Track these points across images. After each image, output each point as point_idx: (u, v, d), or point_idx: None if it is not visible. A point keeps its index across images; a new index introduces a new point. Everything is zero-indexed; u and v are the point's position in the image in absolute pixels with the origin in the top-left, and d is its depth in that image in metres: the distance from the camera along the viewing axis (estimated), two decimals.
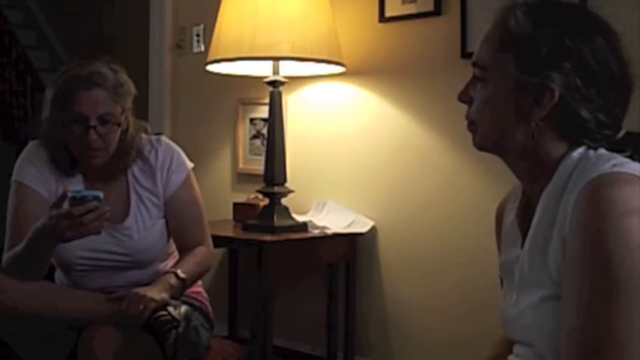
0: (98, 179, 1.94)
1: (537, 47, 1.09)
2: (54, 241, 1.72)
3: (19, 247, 1.76)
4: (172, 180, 1.97)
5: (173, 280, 1.86)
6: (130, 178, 1.96)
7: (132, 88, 1.91)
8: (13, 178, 1.92)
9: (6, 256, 1.83)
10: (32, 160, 1.92)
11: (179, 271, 1.88)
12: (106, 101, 1.83)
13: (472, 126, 1.18)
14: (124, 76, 1.90)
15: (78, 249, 1.85)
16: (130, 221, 1.93)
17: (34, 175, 1.90)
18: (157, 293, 1.79)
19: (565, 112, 1.09)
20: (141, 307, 1.74)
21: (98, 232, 1.69)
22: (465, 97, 1.19)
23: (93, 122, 1.81)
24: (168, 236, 2.02)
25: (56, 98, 1.84)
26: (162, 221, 1.99)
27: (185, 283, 1.89)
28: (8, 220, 1.89)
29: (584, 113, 1.08)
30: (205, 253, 2.01)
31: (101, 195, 1.68)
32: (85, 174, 1.95)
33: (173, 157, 1.99)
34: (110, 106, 1.84)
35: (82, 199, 1.66)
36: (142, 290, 1.79)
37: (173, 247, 2.06)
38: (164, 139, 2.05)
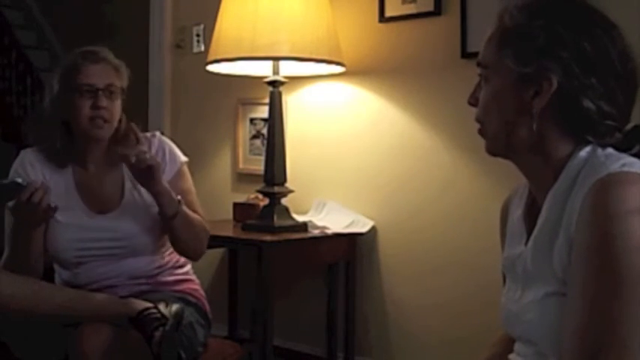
0: (95, 167, 2.02)
1: (532, 38, 1.10)
2: (28, 229, 1.85)
3: (8, 245, 1.89)
4: (166, 171, 2.02)
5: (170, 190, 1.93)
6: (125, 167, 2.01)
7: (128, 73, 2.05)
8: None
9: (2, 259, 1.93)
10: (20, 171, 2.00)
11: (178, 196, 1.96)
12: (111, 73, 1.98)
13: (482, 130, 1.19)
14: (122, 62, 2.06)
15: (73, 240, 1.91)
16: (123, 207, 1.99)
17: None
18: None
19: (566, 102, 1.09)
20: (133, 158, 1.84)
21: (55, 209, 1.82)
22: (473, 100, 1.20)
23: (101, 88, 1.94)
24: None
25: (66, 72, 1.96)
26: (156, 209, 2.01)
27: (179, 206, 1.92)
28: (6, 230, 1.96)
29: (586, 102, 1.08)
30: (201, 220, 2.05)
31: (19, 180, 1.78)
32: (80, 165, 2.02)
33: (166, 149, 2.07)
34: (114, 78, 1.98)
35: (5, 185, 1.77)
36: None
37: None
38: (158, 134, 2.13)
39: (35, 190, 1.77)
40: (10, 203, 1.81)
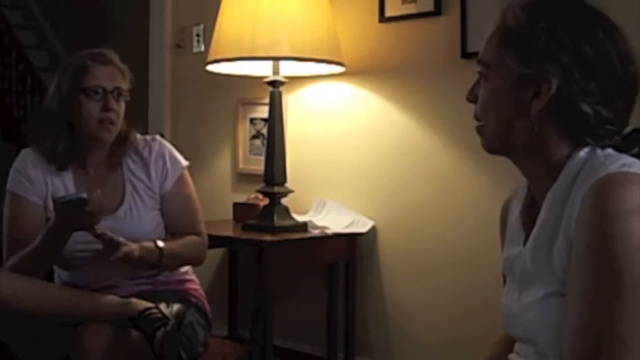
0: (95, 170, 2.02)
1: (534, 40, 1.09)
2: (71, 231, 1.82)
3: (31, 247, 1.83)
4: (169, 176, 2.04)
5: (149, 244, 1.91)
6: (125, 170, 2.04)
7: (130, 77, 2.06)
8: (7, 187, 1.99)
9: (10, 261, 1.88)
10: (21, 170, 1.99)
11: (158, 241, 1.94)
12: (118, 76, 2.00)
13: (480, 128, 1.19)
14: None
15: (73, 242, 1.89)
16: (123, 209, 1.99)
17: (25, 184, 1.97)
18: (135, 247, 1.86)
19: (564, 105, 1.09)
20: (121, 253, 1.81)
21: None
22: (472, 96, 1.20)
23: (110, 90, 1.96)
24: (166, 232, 2.06)
25: (74, 74, 1.96)
26: (157, 212, 2.04)
27: (162, 253, 1.92)
28: (5, 230, 1.96)
29: (584, 106, 1.08)
30: (195, 240, 2.05)
31: (84, 195, 1.74)
32: (80, 168, 2.01)
33: (166, 153, 2.07)
34: (121, 81, 2.00)
35: (70, 202, 1.74)
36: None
37: None
38: (158, 138, 2.13)
39: (97, 202, 1.75)
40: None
